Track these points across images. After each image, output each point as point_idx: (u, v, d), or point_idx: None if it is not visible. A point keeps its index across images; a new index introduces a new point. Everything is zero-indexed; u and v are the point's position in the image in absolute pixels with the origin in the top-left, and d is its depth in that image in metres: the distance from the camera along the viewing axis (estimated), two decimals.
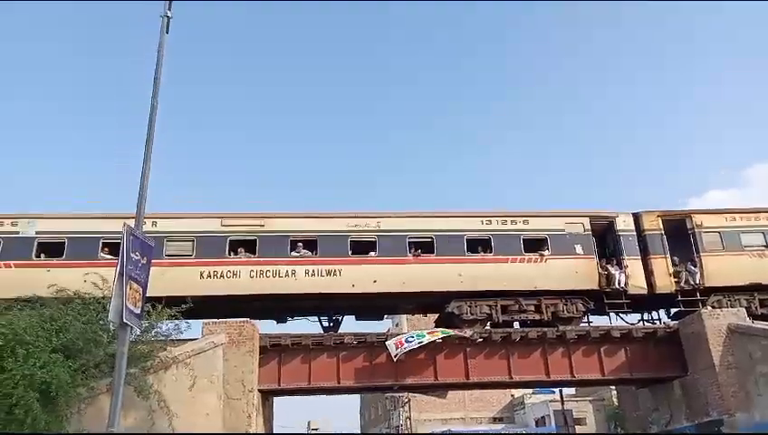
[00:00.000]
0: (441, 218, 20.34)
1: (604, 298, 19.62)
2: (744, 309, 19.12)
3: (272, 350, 18.10)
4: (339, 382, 18.59)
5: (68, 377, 12.81)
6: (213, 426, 15.40)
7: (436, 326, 20.84)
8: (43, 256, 18.15)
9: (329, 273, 18.79)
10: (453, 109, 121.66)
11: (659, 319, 21.55)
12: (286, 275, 18.59)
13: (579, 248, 19.97)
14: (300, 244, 19.14)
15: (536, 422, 46.79)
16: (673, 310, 20.93)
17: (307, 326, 20.33)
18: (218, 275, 18.35)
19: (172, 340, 15.53)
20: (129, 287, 8.89)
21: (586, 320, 20.34)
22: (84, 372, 13.58)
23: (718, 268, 19.96)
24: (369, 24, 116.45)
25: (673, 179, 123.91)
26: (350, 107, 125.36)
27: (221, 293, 18.20)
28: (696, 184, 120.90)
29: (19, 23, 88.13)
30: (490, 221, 20.20)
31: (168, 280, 16.50)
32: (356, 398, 63.98)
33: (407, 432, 46.52)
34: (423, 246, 19.63)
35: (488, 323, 19.44)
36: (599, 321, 20.72)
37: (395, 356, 17.86)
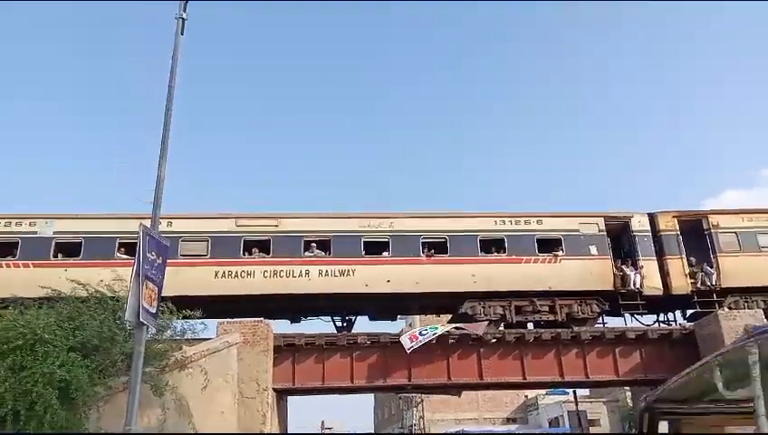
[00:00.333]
0: (454, 219, 20.33)
1: (619, 299, 19.51)
2: (762, 310, 18.90)
3: (286, 349, 18.20)
4: (352, 382, 18.66)
5: (86, 376, 12.97)
6: (228, 425, 15.52)
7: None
8: (60, 255, 18.40)
9: (342, 273, 18.85)
10: (471, 108, 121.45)
11: (675, 320, 21.37)
12: (300, 275, 18.69)
13: (593, 249, 19.86)
14: (313, 244, 19.22)
15: (550, 423, 46.55)
16: (689, 311, 20.76)
17: (321, 326, 20.47)
18: (233, 275, 18.49)
19: (187, 339, 15.66)
20: (144, 287, 9.00)
21: (601, 321, 20.22)
22: (101, 370, 13.73)
23: (735, 269, 19.76)
24: (372, 23, 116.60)
25: (688, 180, 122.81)
26: (354, 107, 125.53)
27: (235, 292, 18.34)
28: (712, 184, 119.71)
29: (19, 23, 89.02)
30: (503, 221, 20.16)
31: (183, 280, 16.66)
32: (369, 398, 64.05)
33: (420, 432, 46.49)
34: (436, 247, 19.64)
35: (502, 324, 19.40)
36: (613, 322, 20.63)
37: (409, 349, 17.94)
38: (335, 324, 20.42)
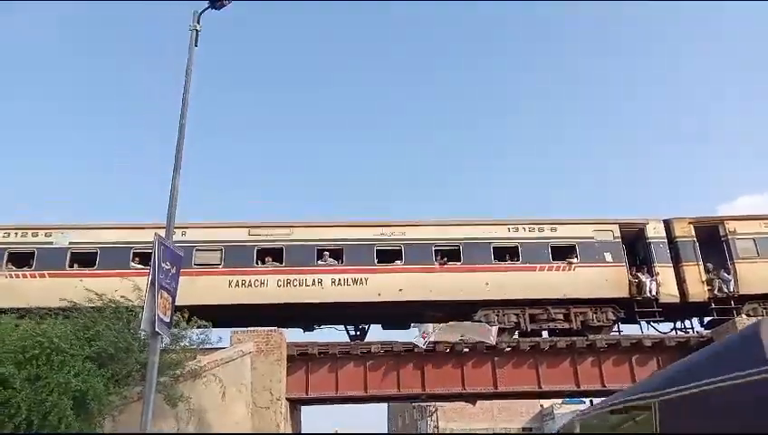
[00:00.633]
0: (467, 226, 20.27)
1: (635, 307, 19.32)
2: None
3: (299, 359, 18.18)
4: (366, 391, 18.60)
5: (101, 385, 13.03)
6: None
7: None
8: (76, 265, 18.58)
9: (355, 281, 18.86)
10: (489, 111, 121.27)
11: (692, 328, 21.13)
12: (313, 283, 18.72)
13: (608, 256, 19.71)
14: (326, 253, 19.25)
15: None
16: (706, 318, 20.51)
17: (334, 335, 20.43)
18: (246, 284, 18.56)
19: (201, 349, 15.71)
20: (159, 296, 9.05)
21: (616, 329, 20.04)
22: (117, 380, 13.80)
23: (753, 275, 19.51)
24: (381, 25, 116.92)
25: (702, 185, 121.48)
26: (360, 108, 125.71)
27: (249, 301, 18.39)
28: (727, 189, 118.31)
29: (19, 23, 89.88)
30: (517, 229, 20.07)
31: (197, 289, 16.74)
32: (383, 408, 63.80)
33: None
34: (449, 255, 19.59)
35: (516, 332, 19.28)
36: (630, 329, 20.44)
37: (423, 345, 17.90)
38: (348, 333, 20.41)
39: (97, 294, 15.04)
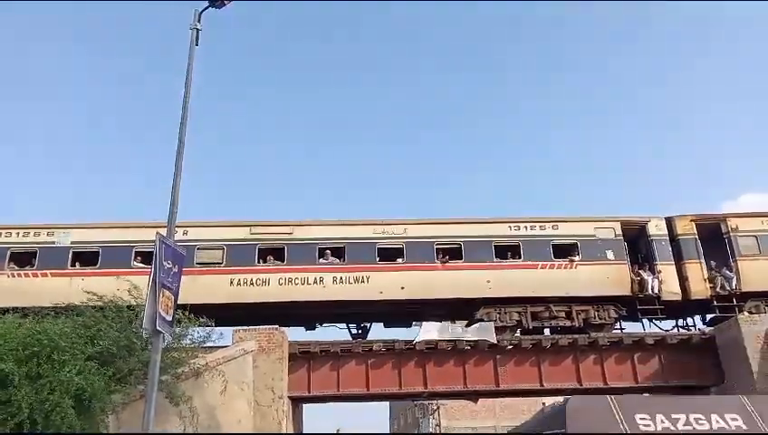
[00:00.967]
0: (469, 225, 20.28)
1: (637, 304, 19.32)
2: None
3: (301, 357, 18.20)
4: (368, 389, 18.62)
5: (102, 383, 13.04)
6: None
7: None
8: (77, 264, 18.60)
9: (356, 280, 18.87)
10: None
11: (694, 325, 21.10)
12: (314, 282, 18.73)
13: (610, 254, 19.69)
14: (328, 251, 19.26)
15: None
16: (708, 316, 20.48)
17: (336, 334, 20.44)
18: (248, 283, 18.57)
19: (203, 347, 15.71)
20: (161, 295, 9.07)
21: (618, 326, 20.03)
22: (119, 379, 13.80)
23: (755, 273, 19.47)
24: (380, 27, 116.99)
25: (704, 182, 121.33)
26: (357, 109, 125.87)
27: (250, 300, 18.41)
28: (730, 187, 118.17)
29: (19, 23, 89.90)
30: (518, 227, 20.06)
31: (198, 287, 16.76)
32: (385, 407, 63.88)
33: None
34: (451, 253, 19.59)
35: (518, 330, 19.28)
36: (631, 327, 20.42)
37: (417, 340, 18.17)
38: (350, 332, 20.43)
39: (96, 294, 15.05)
